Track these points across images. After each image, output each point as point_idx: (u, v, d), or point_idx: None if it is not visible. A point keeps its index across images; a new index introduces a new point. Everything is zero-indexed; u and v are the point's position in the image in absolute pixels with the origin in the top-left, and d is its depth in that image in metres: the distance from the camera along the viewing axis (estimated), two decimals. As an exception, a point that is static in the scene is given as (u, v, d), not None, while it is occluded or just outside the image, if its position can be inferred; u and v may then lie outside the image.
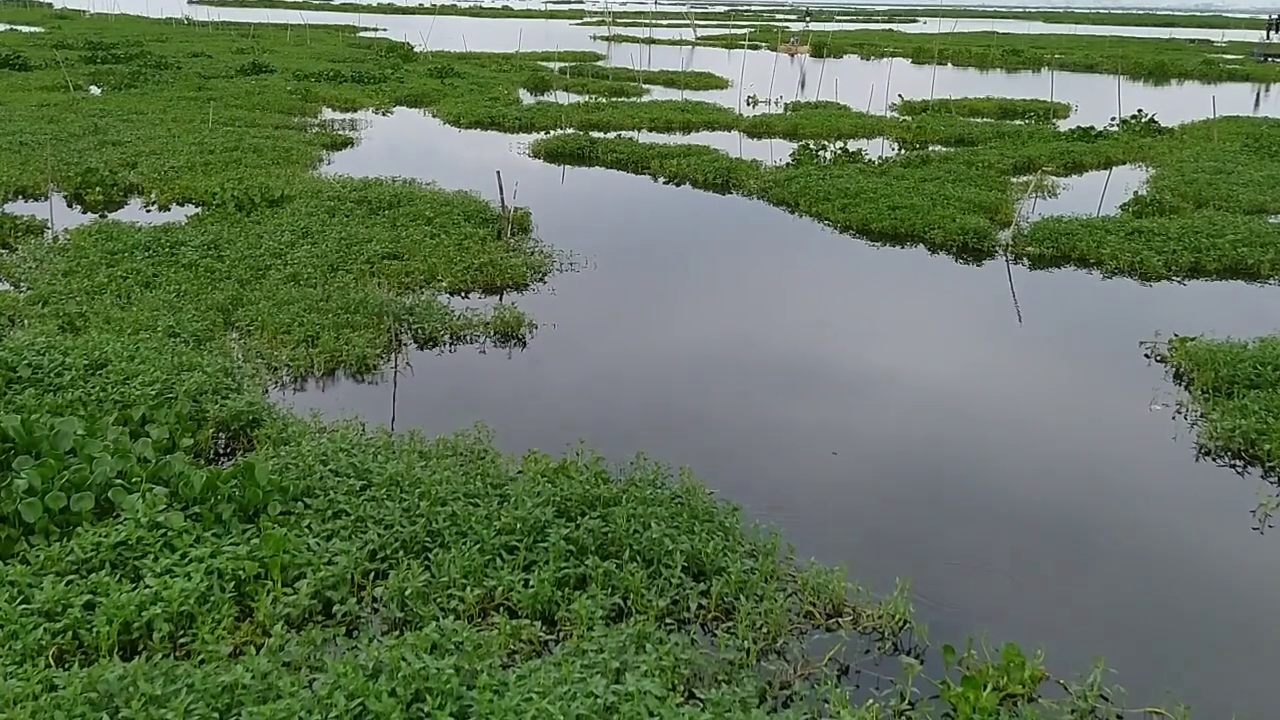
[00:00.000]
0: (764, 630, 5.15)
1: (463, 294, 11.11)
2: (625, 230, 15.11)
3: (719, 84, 35.80)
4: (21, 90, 26.50)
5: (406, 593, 5.17)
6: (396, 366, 8.96)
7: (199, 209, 14.30)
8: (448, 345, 9.60)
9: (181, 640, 4.87)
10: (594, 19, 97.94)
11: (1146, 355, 9.73)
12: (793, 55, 52.38)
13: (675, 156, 19.27)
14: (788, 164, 18.49)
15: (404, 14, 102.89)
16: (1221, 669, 5.32)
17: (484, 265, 11.56)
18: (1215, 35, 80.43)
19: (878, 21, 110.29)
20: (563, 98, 30.13)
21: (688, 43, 63.42)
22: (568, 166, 19.77)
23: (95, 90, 28.16)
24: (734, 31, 72.82)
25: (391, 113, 27.21)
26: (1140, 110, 25.33)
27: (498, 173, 13.20)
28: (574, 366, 9.46)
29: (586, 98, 29.99)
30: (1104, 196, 16.93)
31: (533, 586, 5.26)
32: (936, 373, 9.38)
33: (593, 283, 11.90)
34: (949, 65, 48.69)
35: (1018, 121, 26.46)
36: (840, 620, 5.36)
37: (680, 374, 9.28)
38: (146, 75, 30.21)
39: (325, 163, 18.93)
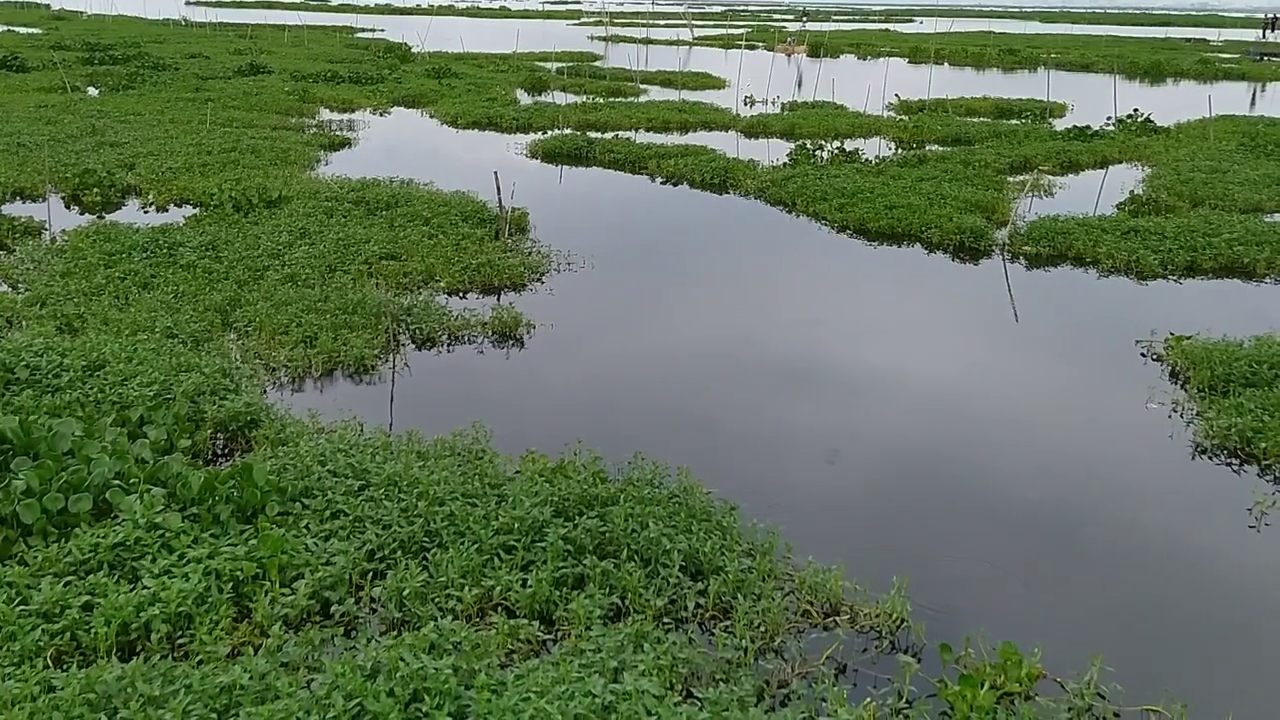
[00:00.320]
0: (762, 629, 5.16)
1: (460, 294, 11.11)
2: (623, 230, 15.12)
3: (716, 84, 35.81)
4: (19, 91, 26.51)
5: (404, 593, 5.18)
6: (394, 367, 8.96)
7: (197, 210, 14.31)
8: (445, 345, 9.61)
9: (179, 641, 4.88)
10: (591, 19, 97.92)
11: (1143, 354, 9.76)
12: (789, 55, 52.43)
13: (672, 156, 19.28)
14: (785, 164, 18.50)
15: (401, 15, 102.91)
16: (1217, 667, 5.33)
17: (482, 265, 11.57)
18: (1211, 34, 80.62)
19: (874, 21, 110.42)
20: (560, 98, 30.15)
21: (685, 43, 63.46)
22: (565, 167, 19.77)
23: (93, 91, 28.14)
24: (731, 31, 72.86)
25: (389, 113, 27.20)
26: (1136, 109, 25.38)
27: (495, 173, 13.22)
28: (571, 366, 9.47)
29: (584, 98, 30.01)
30: (1100, 196, 16.98)
31: (531, 586, 5.27)
32: (933, 372, 9.39)
33: (590, 283, 11.91)
34: (945, 65, 48.76)
35: (1014, 121, 26.51)
36: (838, 619, 5.37)
37: (678, 373, 9.29)
38: (144, 76, 30.19)
39: (323, 163, 18.91)
